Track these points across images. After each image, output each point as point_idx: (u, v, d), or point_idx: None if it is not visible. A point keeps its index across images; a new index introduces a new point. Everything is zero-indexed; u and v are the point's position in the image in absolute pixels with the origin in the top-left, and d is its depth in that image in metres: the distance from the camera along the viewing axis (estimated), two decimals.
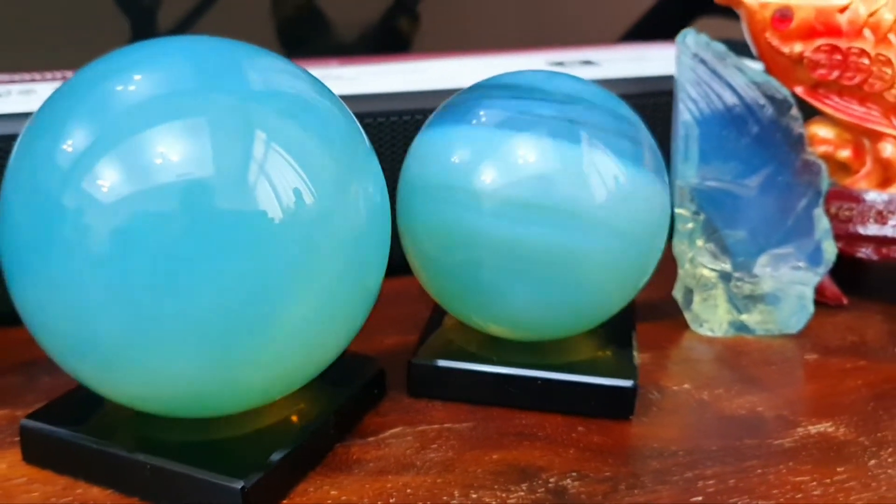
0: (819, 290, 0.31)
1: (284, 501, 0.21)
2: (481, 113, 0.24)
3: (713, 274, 0.29)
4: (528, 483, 0.22)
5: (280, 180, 0.19)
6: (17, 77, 0.35)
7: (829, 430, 0.24)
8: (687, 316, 0.30)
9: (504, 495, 0.21)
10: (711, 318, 0.30)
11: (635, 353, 0.26)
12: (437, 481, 0.22)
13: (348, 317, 0.22)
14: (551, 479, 0.22)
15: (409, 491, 0.21)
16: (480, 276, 0.24)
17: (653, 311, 0.31)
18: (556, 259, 0.23)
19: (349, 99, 0.24)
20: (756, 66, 0.29)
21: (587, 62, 0.39)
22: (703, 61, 0.28)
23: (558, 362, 0.25)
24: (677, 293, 0.30)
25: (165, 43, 0.21)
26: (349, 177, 0.21)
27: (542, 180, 0.23)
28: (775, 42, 0.32)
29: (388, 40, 0.68)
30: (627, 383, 0.24)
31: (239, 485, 0.20)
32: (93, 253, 0.18)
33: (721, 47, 0.28)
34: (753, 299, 0.29)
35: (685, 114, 0.28)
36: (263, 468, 0.20)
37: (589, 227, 0.23)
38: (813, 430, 0.24)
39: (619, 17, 0.67)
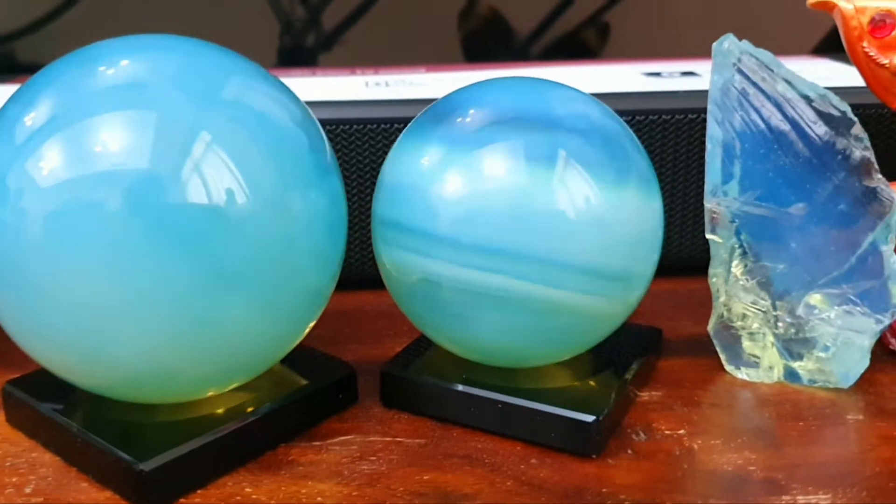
0: (886, 341, 0.27)
1: (198, 491, 0.21)
2: (455, 118, 0.23)
3: (751, 310, 0.26)
4: None
5: (214, 178, 0.20)
6: None
7: (822, 503, 0.21)
8: (721, 355, 0.27)
9: None
10: (748, 359, 0.26)
11: (622, 388, 0.24)
12: (353, 494, 0.21)
13: (282, 321, 0.22)
14: None
15: (319, 499, 0.21)
16: (443, 305, 0.23)
17: (694, 347, 0.28)
18: (523, 299, 0.22)
19: None
20: (809, 78, 0.25)
21: (688, 73, 0.36)
22: (743, 71, 0.25)
23: (529, 387, 0.24)
24: (711, 329, 0.27)
25: (147, 39, 0.22)
26: (287, 180, 0.21)
27: (505, 192, 0.22)
28: (873, 52, 0.28)
29: (577, 52, 0.67)
30: (588, 418, 0.22)
31: (139, 467, 0.20)
32: (28, 237, 0.20)
33: (768, 55, 0.25)
34: (797, 343, 0.26)
35: (722, 130, 0.25)
36: (168, 455, 0.21)
37: (557, 247, 0.21)
38: (801, 500, 0.21)
39: (816, 28, 0.61)
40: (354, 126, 0.31)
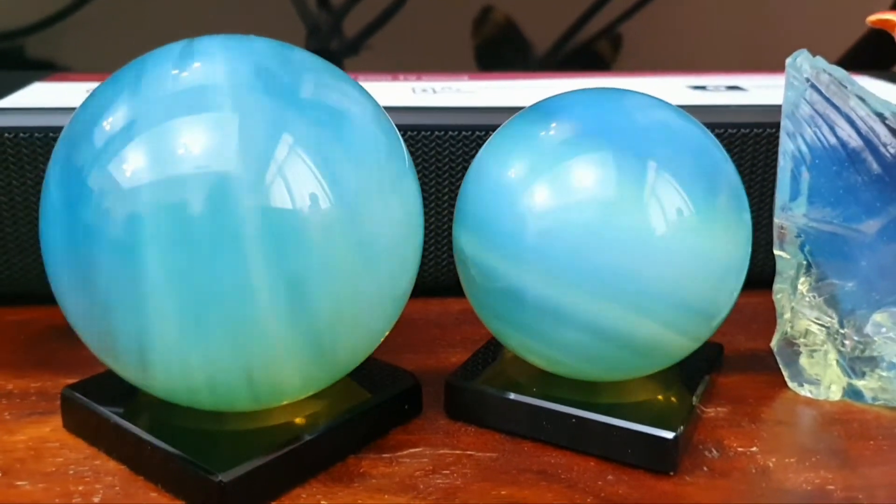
0: None
1: (274, 503, 0.21)
2: (542, 131, 0.23)
3: (817, 328, 0.26)
4: None
5: (298, 183, 0.19)
6: None
7: None
8: (785, 373, 0.27)
9: None
10: (815, 377, 0.26)
11: (695, 405, 0.23)
12: None
13: (367, 324, 0.21)
14: None
15: None
16: (525, 315, 0.22)
17: (753, 362, 0.28)
18: (605, 293, 0.21)
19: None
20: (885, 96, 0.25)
21: (734, 87, 0.36)
22: (816, 87, 0.25)
23: (605, 401, 0.23)
24: (775, 345, 0.27)
25: (219, 40, 0.22)
26: (370, 186, 0.20)
27: (596, 207, 0.21)
28: None
29: (590, 62, 0.67)
30: (668, 434, 0.22)
31: (217, 478, 0.20)
32: (110, 237, 0.19)
33: (841, 72, 0.25)
34: (865, 362, 0.26)
35: (792, 145, 0.25)
36: (246, 466, 0.20)
37: (645, 263, 0.21)
38: None
39: (838, 43, 0.61)
40: (422, 132, 0.31)
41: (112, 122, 0.20)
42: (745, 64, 0.63)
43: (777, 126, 0.31)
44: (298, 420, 0.22)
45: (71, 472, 0.22)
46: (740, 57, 0.69)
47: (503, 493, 0.21)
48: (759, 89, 0.36)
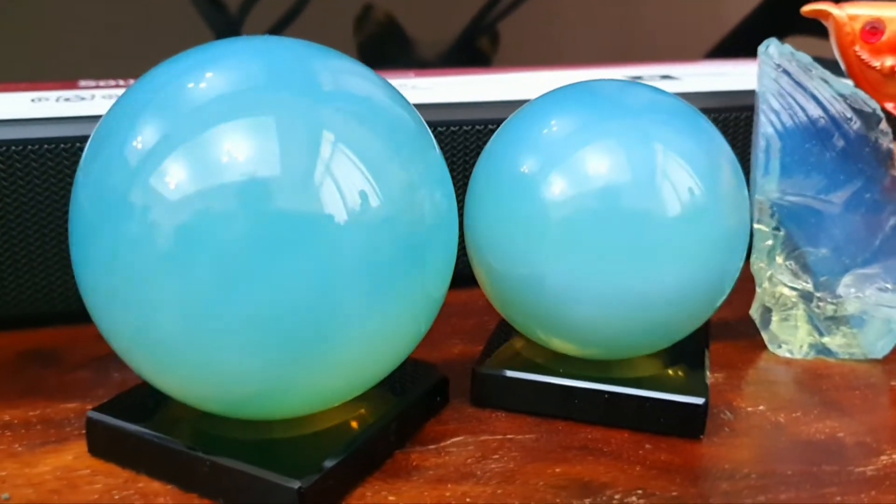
0: None
1: None
2: (553, 122, 0.24)
3: (793, 293, 0.28)
4: (591, 498, 0.21)
5: (346, 182, 0.19)
6: (102, 83, 0.36)
7: None
8: (765, 336, 0.29)
9: None
10: (791, 339, 0.28)
11: (707, 372, 0.25)
12: (498, 492, 0.21)
13: (412, 324, 0.21)
14: (616, 496, 0.21)
15: (468, 500, 0.21)
16: (544, 290, 0.23)
17: (728, 331, 0.30)
18: (624, 275, 0.23)
19: (421, 108, 0.23)
20: (845, 79, 0.28)
21: (667, 76, 0.38)
22: (786, 72, 0.27)
23: (625, 377, 0.25)
24: (755, 312, 0.29)
25: (237, 42, 0.21)
26: (416, 182, 0.21)
27: (611, 192, 0.22)
28: (865, 56, 0.31)
29: (470, 58, 0.68)
30: (699, 400, 0.23)
31: (296, 485, 0.19)
32: (157, 250, 0.19)
33: (806, 58, 0.27)
34: (836, 321, 0.28)
35: (767, 126, 0.27)
36: (321, 470, 0.20)
37: (661, 244, 0.22)
38: None
39: (706, 35, 0.66)
40: None
41: (143, 138, 0.19)
42: (617, 56, 0.66)
43: (741, 110, 0.33)
44: (351, 423, 0.22)
45: (116, 497, 0.21)
46: (612, 49, 0.73)
47: (557, 470, 0.22)
48: (691, 77, 0.38)
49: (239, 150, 0.19)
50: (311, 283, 0.19)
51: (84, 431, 0.23)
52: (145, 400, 0.23)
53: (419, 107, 0.23)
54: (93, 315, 0.21)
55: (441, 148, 0.23)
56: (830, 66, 0.30)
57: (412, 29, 0.70)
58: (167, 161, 0.19)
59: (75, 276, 0.20)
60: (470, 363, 0.26)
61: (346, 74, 0.21)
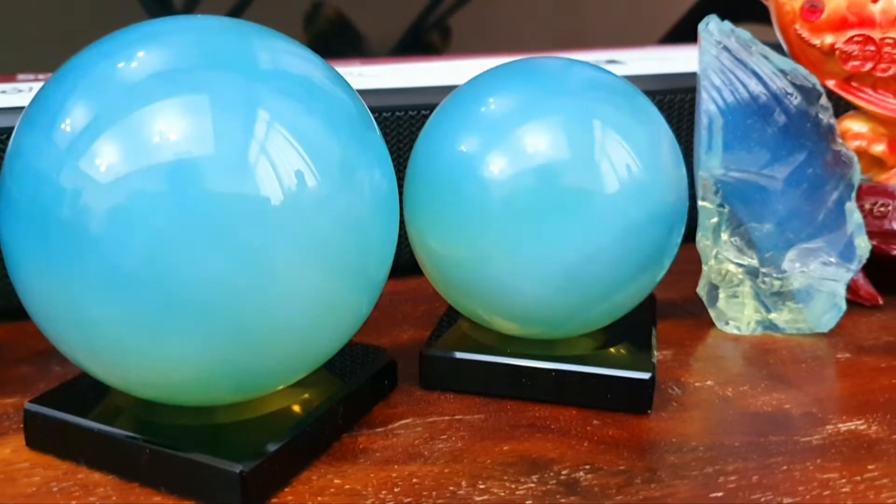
0: (853, 290, 0.30)
1: (286, 489, 0.20)
2: (491, 101, 0.24)
3: (739, 269, 0.28)
4: (538, 475, 0.21)
5: (282, 161, 0.19)
6: (41, 76, 0.35)
7: (861, 427, 0.23)
8: (712, 313, 0.29)
9: (513, 486, 0.20)
10: (738, 315, 0.29)
11: (654, 350, 0.25)
12: (445, 471, 0.21)
13: (352, 306, 0.21)
14: (563, 471, 0.21)
15: (414, 480, 0.21)
16: (487, 271, 0.23)
17: (676, 310, 0.30)
18: (566, 253, 0.23)
19: (364, 94, 0.23)
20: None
21: (612, 61, 0.38)
22: (726, 49, 0.27)
23: (573, 354, 0.25)
24: (702, 290, 0.29)
25: (171, 21, 0.21)
26: (354, 162, 0.20)
27: (552, 169, 0.22)
28: (805, 34, 0.31)
29: (421, 53, 0.68)
30: (645, 375, 0.23)
31: (237, 469, 0.19)
32: (89, 234, 0.18)
33: (746, 35, 0.27)
34: (782, 296, 0.28)
35: (708, 103, 0.27)
36: (263, 454, 0.20)
37: (601, 220, 0.22)
38: (843, 427, 0.23)
39: (657, 22, 0.66)
40: None
41: (72, 120, 0.19)
42: (559, 43, 0.66)
43: (685, 91, 0.33)
44: (295, 407, 0.22)
45: (55, 489, 0.20)
46: (565, 42, 0.73)
47: (505, 448, 0.22)
48: (636, 62, 0.38)
49: (171, 129, 0.18)
50: (248, 263, 0.18)
51: (22, 426, 0.22)
52: (85, 391, 0.22)
53: (362, 92, 0.23)
54: (26, 305, 0.20)
55: (384, 134, 0.23)
56: (775, 49, 0.31)
57: (362, 25, 0.69)
58: (97, 143, 0.18)
59: (7, 265, 0.20)
60: (419, 348, 0.26)
61: (284, 54, 0.21)
